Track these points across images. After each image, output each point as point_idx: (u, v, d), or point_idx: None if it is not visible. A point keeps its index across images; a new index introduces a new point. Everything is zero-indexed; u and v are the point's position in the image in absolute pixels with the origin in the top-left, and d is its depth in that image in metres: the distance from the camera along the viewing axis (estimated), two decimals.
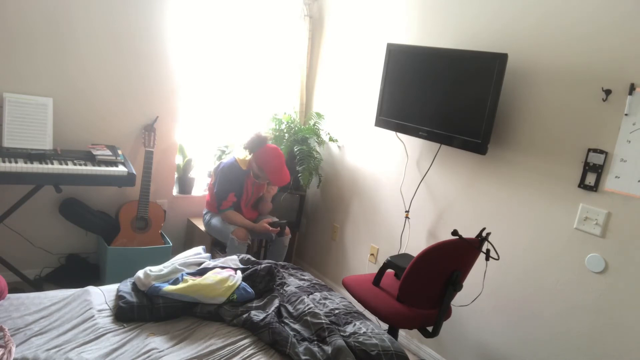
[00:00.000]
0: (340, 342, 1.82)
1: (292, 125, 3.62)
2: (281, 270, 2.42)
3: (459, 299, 2.47)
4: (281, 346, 1.80)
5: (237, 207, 3.18)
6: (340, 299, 2.21)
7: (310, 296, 2.19)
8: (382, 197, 3.20)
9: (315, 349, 1.80)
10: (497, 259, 2.20)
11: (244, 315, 1.95)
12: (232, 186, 3.10)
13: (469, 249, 2.12)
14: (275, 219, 3.22)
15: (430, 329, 2.24)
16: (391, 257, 2.44)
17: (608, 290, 2.10)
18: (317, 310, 2.00)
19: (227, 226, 3.06)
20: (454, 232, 2.05)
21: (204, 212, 3.29)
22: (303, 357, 1.75)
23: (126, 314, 1.89)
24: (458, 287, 2.17)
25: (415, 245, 2.94)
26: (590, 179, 2.14)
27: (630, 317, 2.03)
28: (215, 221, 3.15)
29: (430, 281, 2.15)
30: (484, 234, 2.13)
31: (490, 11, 2.54)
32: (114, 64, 3.02)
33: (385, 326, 2.34)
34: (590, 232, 2.15)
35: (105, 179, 2.71)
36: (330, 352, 1.78)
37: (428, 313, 2.20)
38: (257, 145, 3.05)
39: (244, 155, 3.15)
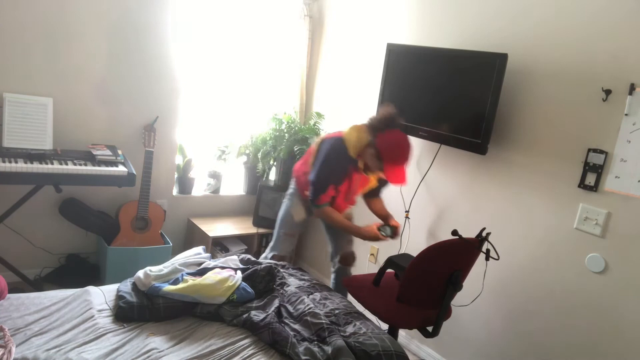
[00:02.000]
0: (340, 342, 1.82)
1: (292, 125, 3.62)
2: (281, 270, 2.42)
3: (459, 299, 2.47)
4: (281, 346, 1.80)
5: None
6: (340, 299, 2.21)
7: (310, 296, 2.19)
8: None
9: (316, 349, 1.80)
10: (497, 259, 2.20)
11: (244, 316, 1.95)
12: (334, 177, 2.43)
13: (469, 249, 2.11)
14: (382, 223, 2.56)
15: (430, 329, 2.24)
16: (391, 256, 2.44)
17: (608, 290, 2.10)
18: (317, 311, 2.00)
19: (292, 222, 2.64)
20: (454, 232, 2.05)
21: (290, 187, 2.72)
22: (303, 357, 1.75)
23: (126, 314, 1.89)
24: (458, 287, 2.16)
25: (415, 245, 2.94)
26: (590, 179, 2.14)
27: (630, 317, 2.03)
28: (288, 206, 2.68)
29: (430, 281, 2.15)
30: (484, 234, 2.12)
31: (490, 11, 2.54)
32: (114, 64, 3.02)
33: (385, 326, 2.34)
34: (590, 232, 2.15)
35: (105, 179, 2.71)
36: (330, 352, 1.78)
37: (428, 313, 2.20)
38: (387, 125, 2.35)
39: (356, 135, 2.40)
